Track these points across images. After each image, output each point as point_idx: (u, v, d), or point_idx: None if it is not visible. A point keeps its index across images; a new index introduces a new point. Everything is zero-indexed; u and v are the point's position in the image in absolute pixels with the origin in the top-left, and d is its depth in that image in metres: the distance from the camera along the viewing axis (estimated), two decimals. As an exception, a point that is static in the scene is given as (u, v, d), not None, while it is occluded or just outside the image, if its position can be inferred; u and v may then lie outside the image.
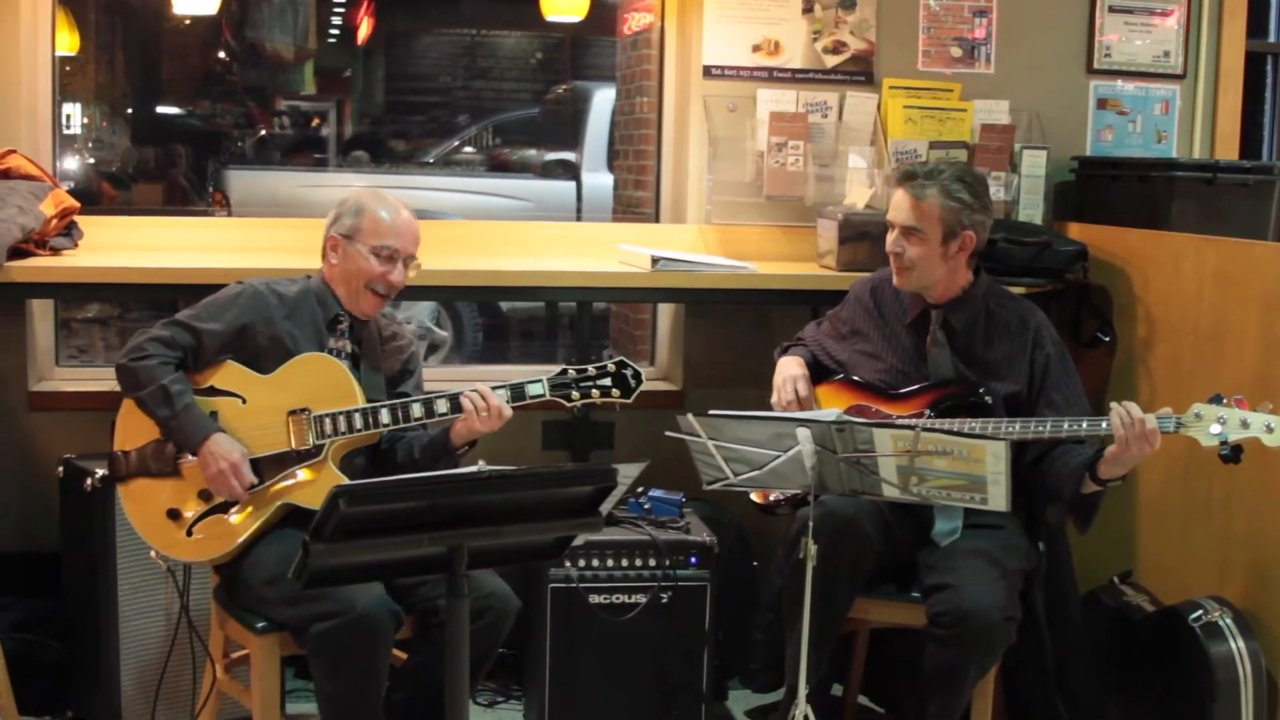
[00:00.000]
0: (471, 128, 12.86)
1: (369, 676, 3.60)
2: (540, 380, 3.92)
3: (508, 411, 3.88)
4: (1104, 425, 3.80)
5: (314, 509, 3.68)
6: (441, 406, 3.85)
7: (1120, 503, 4.86)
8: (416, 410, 3.84)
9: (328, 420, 3.82)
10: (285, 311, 3.96)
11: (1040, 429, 3.90)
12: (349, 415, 3.81)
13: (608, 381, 3.97)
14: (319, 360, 3.91)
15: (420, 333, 7.94)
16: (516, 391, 3.90)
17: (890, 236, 4.17)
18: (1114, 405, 3.77)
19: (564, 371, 3.94)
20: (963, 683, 3.90)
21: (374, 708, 3.64)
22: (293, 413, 3.84)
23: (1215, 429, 3.66)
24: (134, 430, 3.92)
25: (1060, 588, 4.41)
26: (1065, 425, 3.89)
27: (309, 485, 3.81)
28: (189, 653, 4.28)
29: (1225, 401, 3.68)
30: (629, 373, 3.99)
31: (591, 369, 3.96)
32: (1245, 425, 3.64)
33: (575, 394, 3.95)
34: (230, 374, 3.92)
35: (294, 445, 3.83)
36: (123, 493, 3.94)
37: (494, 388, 3.87)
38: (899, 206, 4.16)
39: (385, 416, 3.83)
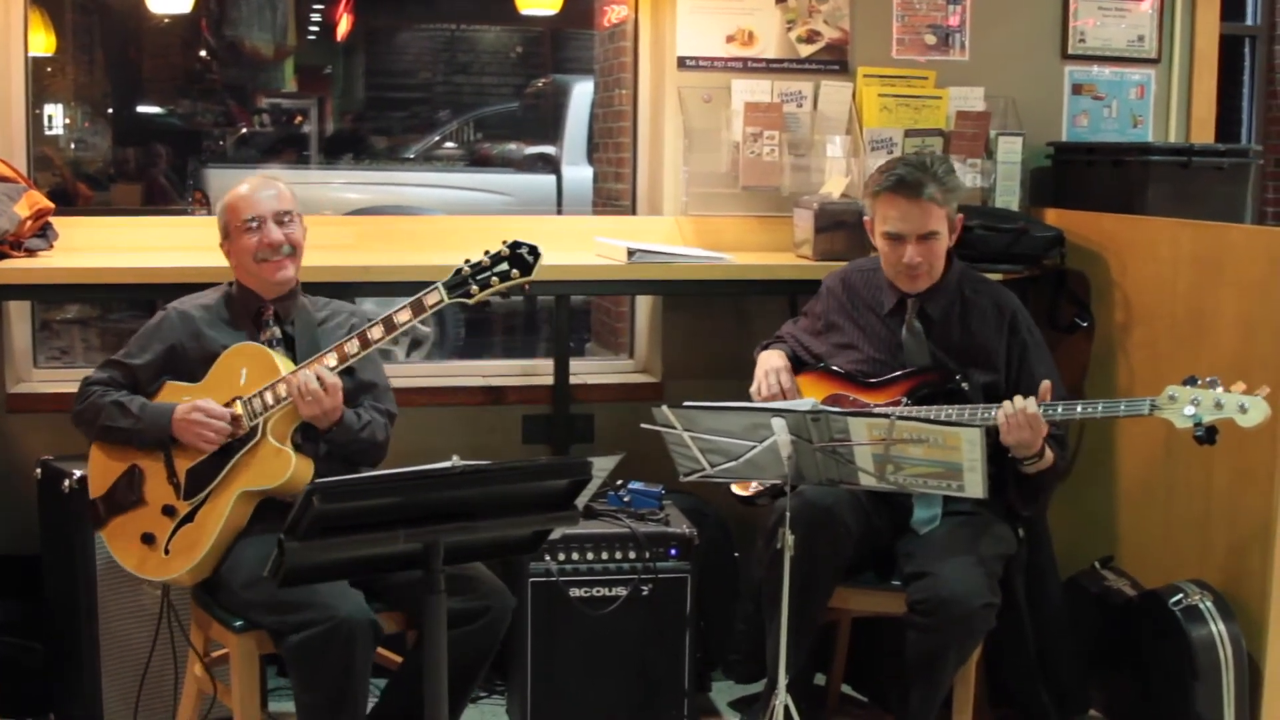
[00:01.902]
0: (452, 123, 12.83)
1: (346, 688, 3.58)
2: (436, 287, 3.82)
3: (313, 385, 3.75)
4: (987, 413, 3.88)
5: (266, 489, 3.78)
6: (351, 348, 3.83)
7: (1099, 488, 4.88)
8: (330, 360, 3.82)
9: (255, 400, 3.82)
10: (209, 320, 4.03)
11: (987, 415, 3.90)
12: (274, 388, 3.81)
13: (505, 266, 3.81)
14: (237, 350, 3.94)
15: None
16: (415, 306, 3.81)
17: (908, 250, 4.11)
18: (1006, 403, 3.84)
19: (458, 271, 3.82)
20: (943, 670, 3.90)
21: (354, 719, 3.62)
22: (226, 405, 3.86)
23: (1189, 410, 3.66)
24: (102, 474, 3.99)
25: (1041, 573, 4.41)
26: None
27: (254, 467, 3.82)
28: (170, 653, 4.27)
29: (1199, 383, 3.68)
30: (524, 250, 3.82)
31: (485, 258, 3.82)
32: (1219, 406, 3.64)
33: (474, 287, 3.80)
34: (168, 393, 3.98)
35: (234, 433, 3.84)
36: (105, 536, 4.02)
37: (396, 309, 3.82)
38: (909, 217, 4.10)
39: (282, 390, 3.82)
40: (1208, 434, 3.66)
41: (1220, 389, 3.65)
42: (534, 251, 3.83)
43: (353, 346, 3.82)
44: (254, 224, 3.97)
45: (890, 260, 4.18)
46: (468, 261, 3.83)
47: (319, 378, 3.77)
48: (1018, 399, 3.82)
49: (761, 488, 4.20)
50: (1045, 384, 3.87)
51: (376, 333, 3.83)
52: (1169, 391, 3.70)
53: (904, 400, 4.12)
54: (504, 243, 3.84)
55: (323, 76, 13.91)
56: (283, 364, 3.87)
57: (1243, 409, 3.61)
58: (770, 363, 4.35)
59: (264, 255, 3.98)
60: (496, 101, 13.47)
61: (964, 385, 4.14)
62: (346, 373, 3.88)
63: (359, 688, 3.61)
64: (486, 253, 3.83)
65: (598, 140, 6.82)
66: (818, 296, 4.47)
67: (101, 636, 4.32)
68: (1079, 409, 3.83)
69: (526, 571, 4.33)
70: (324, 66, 13.94)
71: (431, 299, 3.82)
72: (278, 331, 4.06)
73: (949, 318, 4.23)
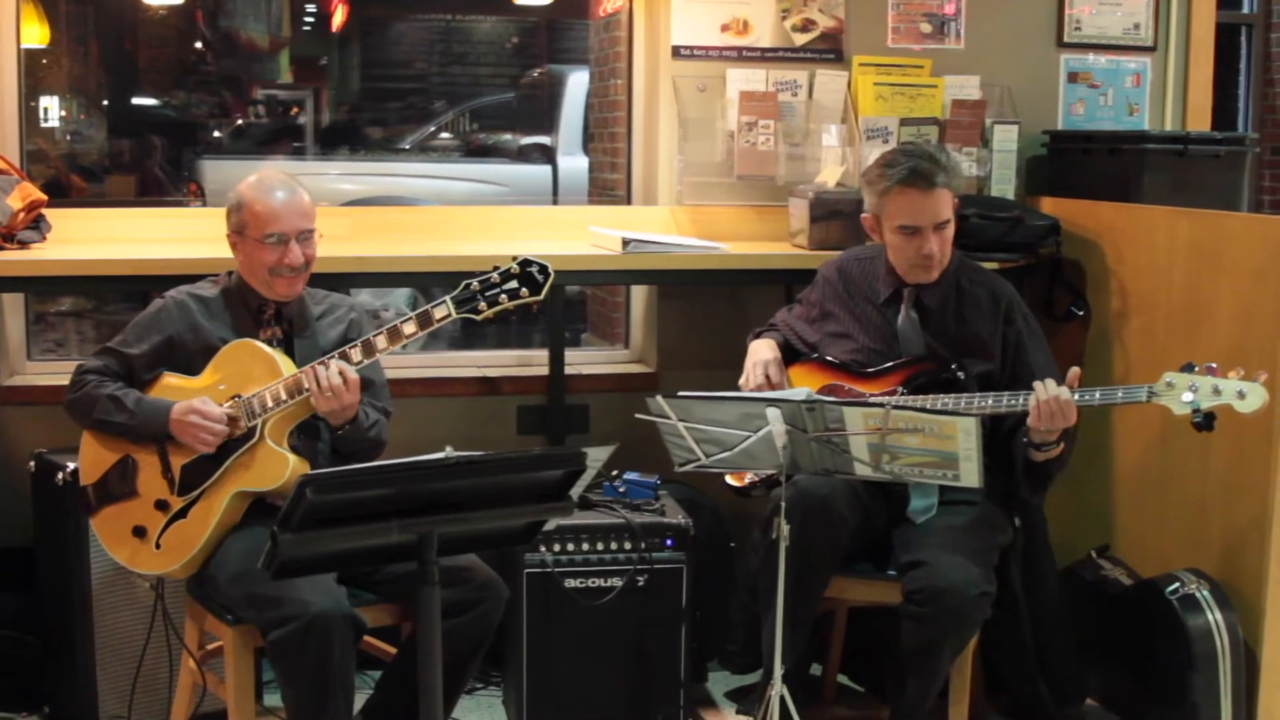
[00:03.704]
0: (448, 113, 12.84)
1: (327, 682, 3.56)
2: (444, 301, 3.77)
3: (335, 380, 3.73)
4: (1020, 400, 3.82)
5: (262, 490, 3.77)
6: (355, 355, 3.79)
7: (1096, 477, 4.87)
8: (333, 367, 3.78)
9: (255, 400, 3.80)
10: (209, 314, 3.99)
11: (1014, 402, 3.89)
12: (274, 389, 3.79)
13: (514, 284, 3.77)
14: (240, 346, 3.91)
15: (396, 318, 7.92)
16: (423, 319, 3.78)
17: (927, 241, 4.09)
18: (1036, 383, 3.80)
19: (467, 286, 3.78)
20: (939, 660, 3.90)
21: (337, 713, 3.60)
22: (224, 403, 3.84)
23: (1187, 397, 3.66)
24: (94, 462, 3.98)
25: (1037, 563, 4.40)
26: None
27: (251, 467, 3.80)
28: (165, 645, 4.26)
29: (1197, 369, 3.67)
30: (534, 269, 3.78)
31: (495, 275, 3.77)
32: (1217, 392, 3.63)
33: (483, 304, 3.76)
34: (165, 384, 3.95)
35: (232, 431, 3.82)
36: (94, 524, 4.01)
37: (402, 320, 3.79)
38: (926, 208, 4.08)
39: (306, 381, 3.79)
40: (1206, 420, 3.66)
41: (1218, 375, 3.64)
42: (544, 271, 3.79)
43: (357, 354, 3.80)
44: (277, 240, 3.91)
45: (907, 253, 4.14)
46: (477, 278, 3.79)
47: (341, 373, 3.75)
48: (1050, 384, 3.79)
49: (756, 479, 4.19)
50: (1074, 370, 3.83)
51: (382, 342, 3.80)
52: (1167, 378, 3.69)
53: (900, 389, 4.11)
54: (514, 259, 3.80)
55: (318, 67, 13.92)
56: (284, 364, 3.85)
57: (1241, 395, 3.61)
58: (759, 354, 4.34)
59: (280, 272, 3.93)
60: (492, 92, 13.47)
61: (960, 374, 4.12)
62: None
63: (340, 682, 3.59)
64: (496, 269, 3.80)
65: (593, 130, 6.81)
66: (813, 284, 4.46)
67: (96, 629, 4.30)
68: (1077, 397, 3.81)
69: (522, 562, 4.32)
70: (319, 57, 13.95)
71: (439, 313, 3.78)
72: (278, 331, 4.04)
73: (944, 307, 4.22)
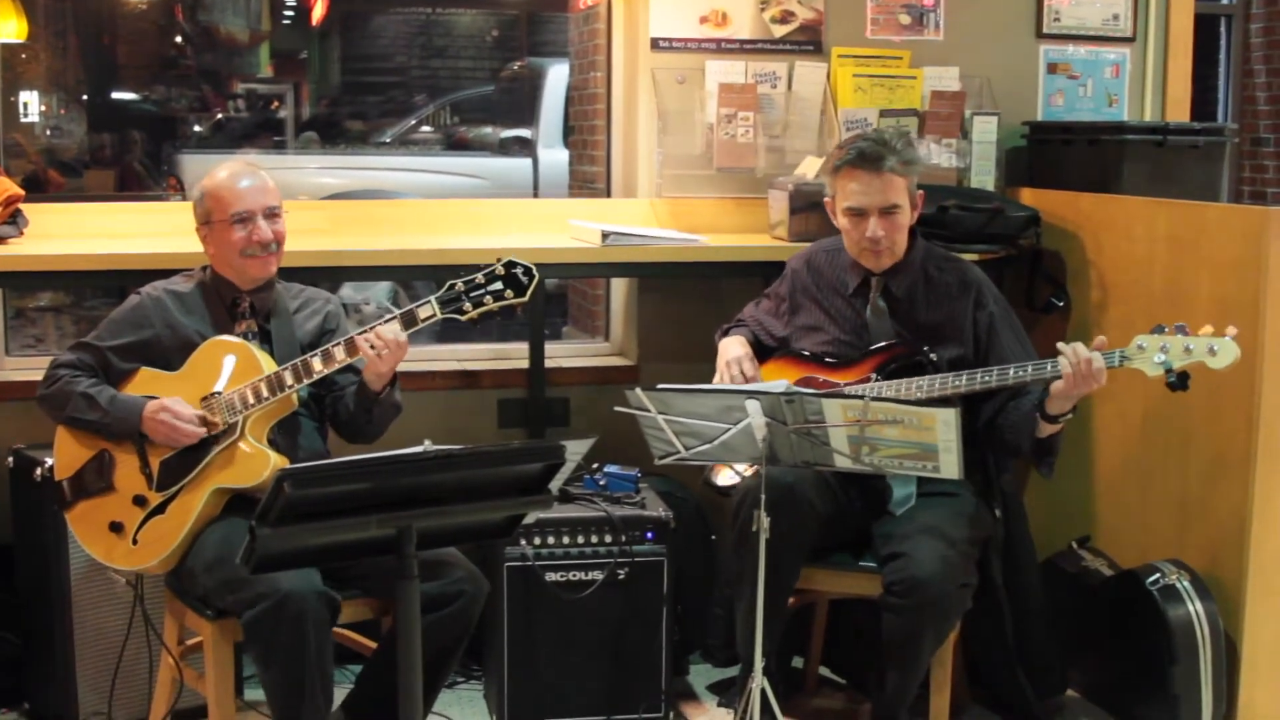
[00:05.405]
0: (428, 106, 12.83)
1: (303, 663, 3.55)
2: (429, 301, 3.78)
3: (403, 338, 3.78)
4: (1049, 367, 3.80)
5: (241, 487, 3.76)
6: (339, 353, 3.80)
7: (1077, 468, 4.86)
8: (316, 364, 3.79)
9: (235, 396, 3.80)
10: (185, 309, 4.00)
11: (987, 378, 3.88)
12: (255, 386, 3.79)
13: (499, 285, 3.77)
14: (221, 343, 3.91)
15: (378, 313, 7.91)
16: (407, 318, 3.78)
17: (871, 223, 4.09)
18: (1061, 345, 3.76)
19: (451, 286, 3.78)
20: (920, 651, 3.90)
21: (315, 695, 3.59)
22: (204, 399, 3.84)
23: (1159, 358, 3.67)
24: (70, 457, 3.96)
25: (1018, 554, 4.41)
26: (1011, 372, 3.88)
27: (231, 464, 3.80)
28: (145, 641, 4.26)
29: (1166, 330, 3.68)
30: (519, 270, 3.78)
31: (480, 276, 3.78)
32: (1188, 351, 3.64)
33: (468, 305, 3.76)
34: (143, 380, 3.94)
35: (209, 430, 3.81)
36: (70, 519, 4.00)
37: (386, 319, 3.80)
38: (871, 189, 4.08)
39: (289, 378, 3.79)
40: (1180, 380, 3.66)
41: (1188, 334, 3.65)
42: (529, 272, 3.79)
43: (340, 352, 3.80)
44: (243, 219, 3.93)
45: (853, 236, 4.16)
46: (462, 278, 3.79)
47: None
48: (1078, 347, 3.75)
49: (739, 479, 4.17)
50: (1101, 339, 3.82)
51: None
52: (1137, 341, 3.70)
53: (873, 376, 4.10)
54: (499, 260, 3.80)
55: (298, 61, 13.91)
56: (264, 361, 3.84)
57: (1212, 351, 3.63)
58: (731, 352, 4.34)
59: (252, 251, 3.94)
60: (472, 85, 13.46)
61: (932, 356, 4.12)
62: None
63: (316, 663, 3.58)
64: (481, 270, 3.80)
65: (573, 123, 6.80)
66: (782, 278, 4.45)
67: (75, 625, 4.29)
68: (1049, 368, 3.80)
69: (502, 556, 4.31)
70: (299, 51, 13.93)
71: (424, 312, 3.79)
72: (254, 324, 4.03)
73: (913, 295, 4.22)
